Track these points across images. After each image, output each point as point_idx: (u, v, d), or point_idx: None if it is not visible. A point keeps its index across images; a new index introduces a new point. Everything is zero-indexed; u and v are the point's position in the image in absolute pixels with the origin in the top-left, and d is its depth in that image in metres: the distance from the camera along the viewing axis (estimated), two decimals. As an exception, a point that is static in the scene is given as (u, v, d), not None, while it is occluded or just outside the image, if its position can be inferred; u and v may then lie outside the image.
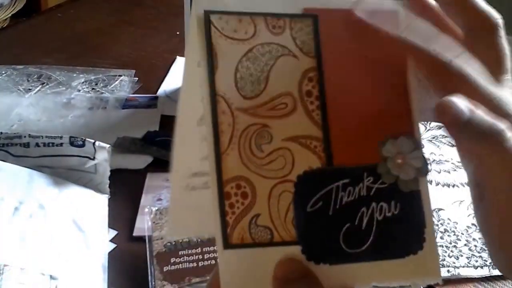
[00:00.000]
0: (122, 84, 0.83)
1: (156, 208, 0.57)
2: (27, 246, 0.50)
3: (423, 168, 0.31)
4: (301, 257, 0.28)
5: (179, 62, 0.88)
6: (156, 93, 0.82)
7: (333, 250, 0.29)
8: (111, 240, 0.57)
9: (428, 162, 0.32)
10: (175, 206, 0.33)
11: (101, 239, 0.55)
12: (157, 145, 0.69)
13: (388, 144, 0.30)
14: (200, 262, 0.52)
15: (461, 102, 0.28)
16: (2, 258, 0.48)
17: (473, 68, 0.30)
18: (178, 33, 0.93)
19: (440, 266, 0.54)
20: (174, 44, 0.92)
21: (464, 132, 0.28)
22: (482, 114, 0.28)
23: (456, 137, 0.30)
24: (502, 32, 0.31)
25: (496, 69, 0.31)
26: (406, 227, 0.30)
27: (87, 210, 0.57)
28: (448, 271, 0.54)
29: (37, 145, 0.59)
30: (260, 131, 0.29)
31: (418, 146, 0.31)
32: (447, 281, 0.53)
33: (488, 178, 0.30)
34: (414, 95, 0.32)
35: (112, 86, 0.83)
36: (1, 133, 0.60)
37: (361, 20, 0.30)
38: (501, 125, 0.28)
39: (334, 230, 0.29)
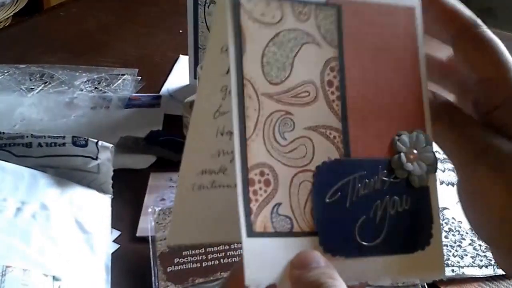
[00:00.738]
0: (125, 83, 0.83)
1: (160, 208, 0.57)
2: (30, 247, 0.50)
3: (433, 164, 0.31)
4: (319, 249, 0.28)
5: (182, 61, 0.88)
6: (159, 92, 0.82)
7: (349, 243, 0.29)
8: (114, 241, 0.57)
9: (438, 159, 0.32)
10: (178, 209, 0.32)
11: (104, 240, 0.55)
12: (160, 145, 0.69)
13: (402, 137, 0.31)
14: (203, 263, 0.52)
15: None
16: (5, 259, 0.48)
17: None
18: (181, 31, 0.93)
19: (445, 265, 0.54)
20: (177, 42, 0.92)
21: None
22: None
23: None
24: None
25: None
26: (415, 223, 0.30)
27: (90, 210, 0.57)
28: (453, 270, 0.54)
29: (39, 145, 0.59)
30: (283, 118, 0.29)
31: (429, 142, 0.31)
32: (451, 280, 0.53)
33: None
34: (426, 92, 0.32)
35: (115, 85, 0.83)
36: (4, 133, 0.60)
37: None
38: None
39: (350, 223, 0.29)
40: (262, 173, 0.28)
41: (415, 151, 0.31)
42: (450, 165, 0.67)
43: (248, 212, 0.27)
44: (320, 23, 0.30)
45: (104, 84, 0.83)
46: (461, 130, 0.32)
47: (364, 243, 0.29)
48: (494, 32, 0.32)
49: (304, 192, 0.28)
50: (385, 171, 0.30)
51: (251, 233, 0.27)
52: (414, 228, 0.30)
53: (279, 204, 0.28)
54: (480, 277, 0.54)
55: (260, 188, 0.28)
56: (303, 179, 0.29)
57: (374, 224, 0.30)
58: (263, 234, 0.27)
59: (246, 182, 0.27)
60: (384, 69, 0.31)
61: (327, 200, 0.29)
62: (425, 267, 0.30)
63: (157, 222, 0.55)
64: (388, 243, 0.30)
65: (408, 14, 0.32)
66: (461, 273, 0.54)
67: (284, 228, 0.28)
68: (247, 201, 0.27)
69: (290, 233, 0.28)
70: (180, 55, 0.90)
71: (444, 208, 0.61)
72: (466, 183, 0.32)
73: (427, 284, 0.52)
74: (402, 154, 0.31)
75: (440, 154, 0.33)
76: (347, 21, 0.31)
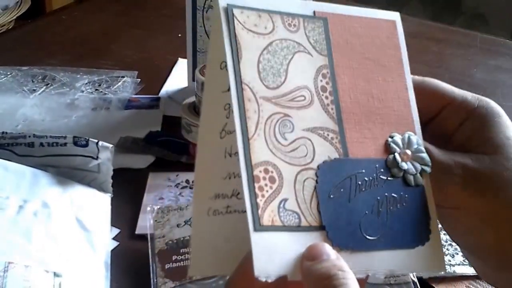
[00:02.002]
0: (125, 85, 0.84)
1: (158, 206, 0.57)
2: (32, 244, 0.50)
3: (427, 164, 0.32)
4: (327, 243, 0.29)
5: (181, 64, 0.89)
6: (158, 94, 0.83)
7: (355, 237, 0.30)
8: (113, 238, 0.57)
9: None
10: (196, 236, 0.32)
11: (104, 237, 0.56)
12: (159, 145, 0.70)
13: (395, 139, 0.32)
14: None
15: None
16: (7, 255, 0.48)
17: None
18: (180, 35, 0.94)
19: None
20: (176, 46, 0.93)
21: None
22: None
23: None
24: None
25: None
26: (413, 219, 0.31)
27: (90, 209, 0.57)
28: (444, 269, 0.55)
29: (41, 144, 0.60)
30: (282, 119, 0.30)
31: (420, 143, 0.33)
32: (442, 279, 0.54)
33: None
34: (413, 97, 0.34)
35: (115, 87, 0.83)
36: (6, 133, 0.60)
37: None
38: None
39: (354, 218, 0.30)
40: (266, 171, 0.29)
41: (408, 152, 0.32)
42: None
43: (255, 206, 0.28)
44: (309, 33, 0.32)
45: (104, 86, 0.83)
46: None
47: (368, 237, 0.30)
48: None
49: (308, 189, 0.29)
50: (382, 170, 0.31)
51: (259, 226, 0.27)
52: (412, 224, 0.31)
53: (285, 200, 0.29)
54: (470, 276, 0.54)
55: (266, 185, 0.28)
56: (307, 176, 0.30)
57: (376, 219, 0.30)
58: (271, 228, 0.28)
59: (252, 179, 0.28)
60: (372, 75, 0.33)
61: (331, 196, 0.30)
62: (425, 262, 0.31)
63: (155, 220, 0.56)
64: (389, 238, 0.30)
65: (390, 26, 0.34)
66: (452, 272, 0.55)
67: (293, 222, 0.28)
68: (253, 196, 0.28)
69: (299, 227, 0.29)
70: (179, 58, 0.91)
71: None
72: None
73: (419, 283, 0.52)
74: (396, 154, 0.32)
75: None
76: (333, 32, 0.32)
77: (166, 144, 0.70)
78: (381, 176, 0.31)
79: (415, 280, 0.52)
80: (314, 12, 0.32)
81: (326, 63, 0.32)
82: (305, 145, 0.30)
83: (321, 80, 0.31)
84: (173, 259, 0.53)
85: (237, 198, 0.31)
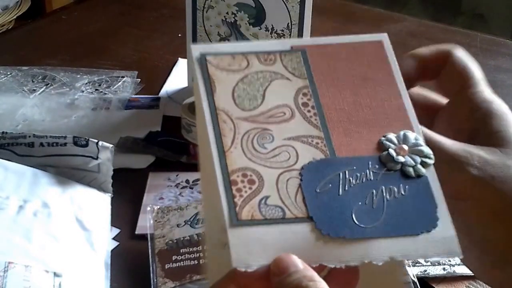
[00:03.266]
0: (125, 85, 0.84)
1: (158, 206, 0.58)
2: (32, 243, 0.51)
3: (428, 156, 0.32)
4: (316, 233, 0.29)
5: (181, 64, 0.89)
6: (158, 94, 0.83)
7: (347, 225, 0.29)
8: (113, 238, 0.58)
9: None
10: (211, 267, 0.33)
11: (104, 237, 0.56)
12: (159, 145, 0.70)
13: (389, 137, 0.32)
14: (201, 260, 0.53)
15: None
16: (7, 255, 0.48)
17: None
18: (180, 35, 0.94)
19: (437, 264, 0.55)
20: (176, 46, 0.93)
21: None
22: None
23: None
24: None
25: None
26: (416, 207, 0.31)
27: (90, 209, 0.57)
28: (444, 269, 0.55)
29: (41, 144, 0.60)
30: (261, 133, 0.30)
31: (420, 139, 0.32)
32: (442, 279, 0.54)
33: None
34: (408, 102, 0.34)
35: (115, 87, 0.84)
36: (6, 133, 0.60)
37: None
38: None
39: (346, 208, 0.30)
40: (244, 175, 0.29)
41: (405, 147, 0.32)
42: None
43: (232, 206, 0.28)
44: (286, 63, 0.32)
45: (104, 86, 0.84)
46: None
47: (362, 225, 0.30)
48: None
49: (293, 186, 0.29)
50: (376, 166, 0.31)
51: (237, 221, 0.28)
52: (416, 212, 0.31)
53: (267, 197, 0.29)
54: (470, 275, 0.55)
55: (244, 187, 0.28)
56: (290, 176, 0.29)
57: (372, 208, 0.30)
58: (251, 222, 0.28)
59: (229, 183, 0.28)
60: (360, 88, 0.33)
61: (318, 191, 0.30)
62: (433, 249, 0.30)
63: (155, 220, 0.56)
64: (388, 225, 0.30)
65: (377, 47, 0.34)
66: (452, 272, 0.55)
67: (276, 215, 0.28)
68: (230, 197, 0.28)
69: (283, 220, 0.28)
70: (179, 58, 0.91)
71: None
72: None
73: (419, 283, 0.53)
74: (390, 149, 0.31)
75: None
76: (313, 60, 0.33)
77: (166, 144, 0.70)
78: (374, 171, 0.31)
79: (415, 280, 0.52)
80: (291, 47, 0.33)
81: (307, 84, 0.32)
82: (287, 151, 0.30)
83: (301, 98, 0.32)
84: (173, 259, 0.53)
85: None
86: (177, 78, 0.86)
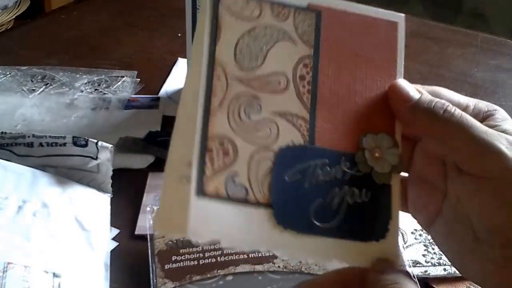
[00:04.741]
0: (125, 85, 0.84)
1: (158, 207, 0.58)
2: (31, 244, 0.50)
3: (398, 165, 0.33)
4: (272, 221, 0.29)
5: (181, 64, 0.89)
6: (157, 94, 0.83)
7: (302, 219, 0.30)
8: (113, 239, 0.57)
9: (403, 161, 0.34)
10: (165, 200, 0.32)
11: (103, 238, 0.56)
12: (158, 145, 0.70)
13: (368, 137, 0.32)
14: (201, 260, 0.53)
15: (409, 87, 0.33)
16: (6, 256, 0.48)
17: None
18: (179, 35, 0.94)
19: (437, 264, 0.55)
20: (176, 46, 0.93)
21: (415, 110, 0.33)
22: (427, 93, 0.33)
23: (408, 116, 0.33)
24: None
25: None
26: (372, 215, 0.32)
27: (89, 209, 0.57)
28: (444, 269, 0.55)
29: (40, 145, 0.60)
30: (250, 100, 0.30)
31: (396, 144, 0.33)
32: (443, 279, 0.54)
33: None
34: None
35: (114, 87, 0.83)
36: (6, 133, 0.60)
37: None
38: (443, 100, 0.33)
39: (306, 202, 0.30)
40: (221, 144, 0.29)
41: (379, 151, 0.32)
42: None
43: (201, 174, 0.28)
44: (298, 24, 0.31)
45: (104, 85, 0.83)
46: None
47: (316, 222, 0.30)
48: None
49: (263, 168, 0.30)
50: (348, 163, 0.31)
51: (201, 193, 0.28)
52: (371, 220, 0.31)
53: (236, 174, 0.29)
54: (471, 276, 0.55)
55: (218, 156, 0.29)
56: (264, 156, 0.30)
57: (330, 208, 0.31)
58: (214, 198, 0.28)
59: (204, 148, 0.28)
60: (360, 72, 0.33)
61: (286, 179, 0.30)
62: (373, 257, 0.31)
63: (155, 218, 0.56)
64: (341, 228, 0.31)
65: (390, 28, 0.33)
66: (452, 272, 0.55)
67: (239, 196, 0.29)
68: (202, 164, 0.28)
69: (244, 201, 0.29)
70: (179, 58, 0.91)
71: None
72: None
73: (420, 283, 0.53)
74: (366, 150, 0.32)
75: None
76: (326, 26, 0.32)
77: (166, 144, 0.69)
78: (345, 169, 0.31)
79: (416, 280, 0.52)
80: (308, 4, 0.32)
81: (311, 53, 0.32)
82: (269, 127, 0.30)
83: (301, 69, 0.31)
84: (173, 259, 0.53)
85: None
86: (177, 78, 0.86)
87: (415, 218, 0.36)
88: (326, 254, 0.30)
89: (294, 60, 0.31)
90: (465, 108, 0.35)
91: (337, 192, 0.31)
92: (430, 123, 0.33)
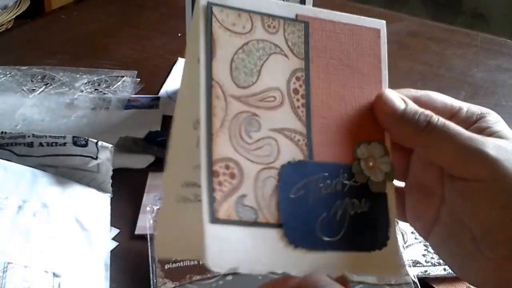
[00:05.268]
0: (125, 85, 0.84)
1: (158, 207, 0.57)
2: (31, 244, 0.50)
3: (390, 173, 0.34)
4: (283, 240, 0.29)
5: (181, 64, 0.89)
6: (158, 94, 0.83)
7: (311, 236, 0.30)
8: (113, 239, 0.57)
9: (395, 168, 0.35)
10: (164, 222, 0.33)
11: (103, 237, 0.56)
12: (158, 145, 0.70)
13: (362, 147, 0.33)
14: (201, 261, 0.53)
15: (395, 97, 0.34)
16: (6, 255, 0.48)
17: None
18: (179, 35, 0.94)
19: (437, 264, 0.55)
20: (176, 45, 0.93)
21: (400, 121, 0.33)
22: (412, 103, 0.34)
23: (393, 127, 0.34)
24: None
25: None
26: (372, 225, 0.32)
27: (89, 209, 0.57)
28: (444, 269, 0.55)
29: (40, 144, 0.60)
30: (249, 118, 0.30)
31: (387, 152, 0.34)
32: (442, 279, 0.54)
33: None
34: None
35: (114, 87, 0.83)
36: (5, 132, 0.60)
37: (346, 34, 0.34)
38: (428, 111, 0.34)
39: (313, 218, 0.31)
40: (227, 167, 0.29)
41: (373, 159, 0.33)
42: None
43: (212, 200, 0.28)
44: (288, 36, 0.32)
45: (104, 85, 0.84)
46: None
47: (324, 238, 0.31)
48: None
49: (269, 187, 0.30)
50: (346, 175, 0.32)
51: (214, 219, 0.28)
52: (371, 229, 0.32)
53: (244, 196, 0.29)
54: (471, 276, 0.55)
55: (225, 180, 0.29)
56: (269, 175, 0.30)
57: (335, 221, 0.31)
58: (227, 222, 0.28)
59: (211, 173, 0.28)
60: (349, 82, 0.33)
61: (291, 196, 0.30)
62: (381, 266, 0.32)
63: (155, 221, 0.56)
64: (346, 240, 0.31)
65: (374, 35, 0.34)
66: (452, 272, 0.55)
67: (249, 217, 0.29)
68: (211, 190, 0.28)
69: (255, 223, 0.29)
70: (179, 58, 0.91)
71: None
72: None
73: (420, 283, 0.52)
74: (361, 160, 0.33)
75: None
76: (314, 36, 0.33)
77: (165, 144, 0.69)
78: (344, 181, 0.32)
79: (416, 280, 0.52)
80: (296, 15, 0.32)
81: (302, 66, 0.32)
82: (270, 144, 0.30)
83: (294, 83, 0.32)
84: (173, 259, 0.53)
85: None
86: (177, 78, 0.86)
87: (413, 227, 0.37)
88: (337, 269, 0.31)
89: (287, 74, 0.32)
90: (457, 111, 0.36)
91: (339, 204, 0.31)
92: (416, 135, 0.33)
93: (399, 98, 0.34)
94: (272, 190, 0.30)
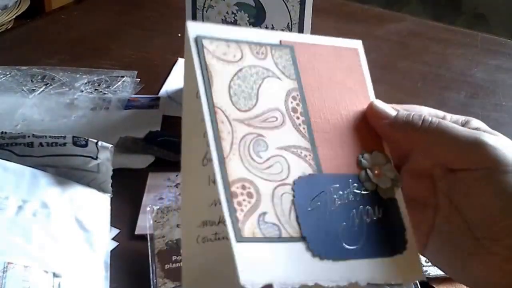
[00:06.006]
0: (124, 85, 0.84)
1: (158, 207, 0.58)
2: (31, 244, 0.50)
3: (396, 178, 0.35)
4: (308, 254, 0.30)
5: (181, 63, 0.89)
6: (157, 94, 0.83)
7: (334, 247, 0.31)
8: (113, 239, 0.58)
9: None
10: (188, 264, 0.34)
11: (103, 237, 0.56)
12: (158, 145, 0.70)
13: (365, 156, 0.34)
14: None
15: (385, 106, 0.36)
16: (6, 256, 0.48)
17: None
18: (179, 35, 0.94)
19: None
20: (176, 45, 0.93)
21: (395, 126, 0.35)
22: (402, 110, 0.36)
23: (390, 133, 0.35)
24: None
25: None
26: (389, 230, 0.33)
27: (89, 209, 0.57)
28: (445, 269, 0.55)
29: (40, 144, 0.60)
30: (256, 139, 0.31)
31: (389, 160, 0.35)
32: (443, 279, 0.54)
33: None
34: None
35: (114, 87, 0.83)
36: (6, 132, 0.60)
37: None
38: (420, 113, 0.35)
39: (333, 229, 0.31)
40: (243, 187, 0.29)
41: (377, 167, 0.34)
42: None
43: (235, 220, 0.28)
44: (277, 60, 0.33)
45: (104, 85, 0.84)
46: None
47: (347, 246, 0.31)
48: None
49: (286, 202, 0.30)
50: (356, 184, 0.33)
51: (241, 238, 0.28)
52: (389, 234, 0.33)
53: (264, 213, 0.29)
54: (471, 276, 0.55)
55: (244, 200, 0.29)
56: (284, 191, 0.31)
57: (354, 230, 0.32)
58: (253, 239, 0.29)
59: (230, 195, 0.29)
60: (340, 97, 0.35)
61: (309, 209, 0.31)
62: (404, 270, 0.33)
63: (155, 221, 0.56)
64: (368, 247, 0.32)
65: (352, 54, 0.36)
66: (452, 272, 0.55)
67: (273, 234, 0.29)
68: (233, 211, 0.29)
69: (280, 239, 0.29)
70: (179, 58, 0.91)
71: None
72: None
73: (420, 283, 0.52)
74: (368, 169, 0.34)
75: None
76: (300, 58, 0.34)
77: (166, 144, 0.70)
78: (355, 190, 0.33)
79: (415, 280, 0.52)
80: (280, 41, 0.34)
81: (296, 86, 0.33)
82: (279, 162, 0.31)
83: (291, 102, 0.33)
84: (173, 259, 0.53)
85: (224, 225, 0.31)
86: (177, 78, 0.86)
87: None
88: (363, 276, 0.31)
89: (283, 95, 0.33)
90: (443, 118, 0.37)
91: (355, 213, 0.32)
92: (411, 135, 0.35)
93: (389, 107, 0.36)
94: (289, 205, 0.30)
